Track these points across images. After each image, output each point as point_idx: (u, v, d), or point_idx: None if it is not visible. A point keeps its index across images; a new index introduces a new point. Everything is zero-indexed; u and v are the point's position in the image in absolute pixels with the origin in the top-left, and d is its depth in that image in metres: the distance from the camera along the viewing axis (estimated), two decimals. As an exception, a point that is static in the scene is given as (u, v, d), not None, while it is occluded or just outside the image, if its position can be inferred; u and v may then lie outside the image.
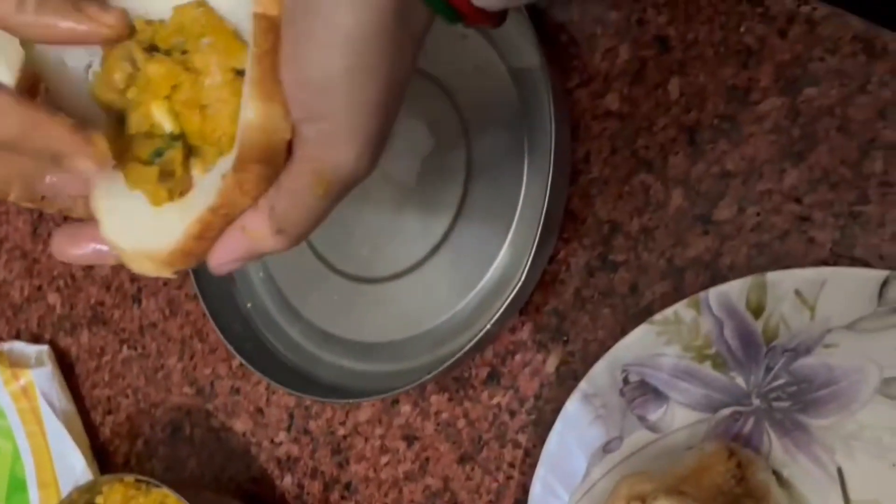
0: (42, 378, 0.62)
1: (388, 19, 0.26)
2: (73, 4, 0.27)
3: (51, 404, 0.61)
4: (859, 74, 0.37)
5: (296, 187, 0.27)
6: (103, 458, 0.62)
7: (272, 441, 0.53)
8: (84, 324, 0.65)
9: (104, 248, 0.31)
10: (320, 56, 0.26)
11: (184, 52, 0.28)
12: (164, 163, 0.29)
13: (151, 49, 0.29)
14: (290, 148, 0.27)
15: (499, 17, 0.29)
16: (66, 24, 0.27)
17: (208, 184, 0.28)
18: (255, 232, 0.28)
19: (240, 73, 0.28)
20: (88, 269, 0.65)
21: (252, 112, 0.26)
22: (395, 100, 0.27)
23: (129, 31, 0.28)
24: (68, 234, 0.31)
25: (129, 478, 0.48)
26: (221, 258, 0.28)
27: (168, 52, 0.29)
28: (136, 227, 0.29)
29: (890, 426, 0.34)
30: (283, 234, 0.28)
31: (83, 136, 0.27)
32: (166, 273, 0.29)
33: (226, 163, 0.27)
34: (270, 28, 0.26)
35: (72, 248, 0.31)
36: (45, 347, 0.65)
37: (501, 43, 0.45)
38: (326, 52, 0.26)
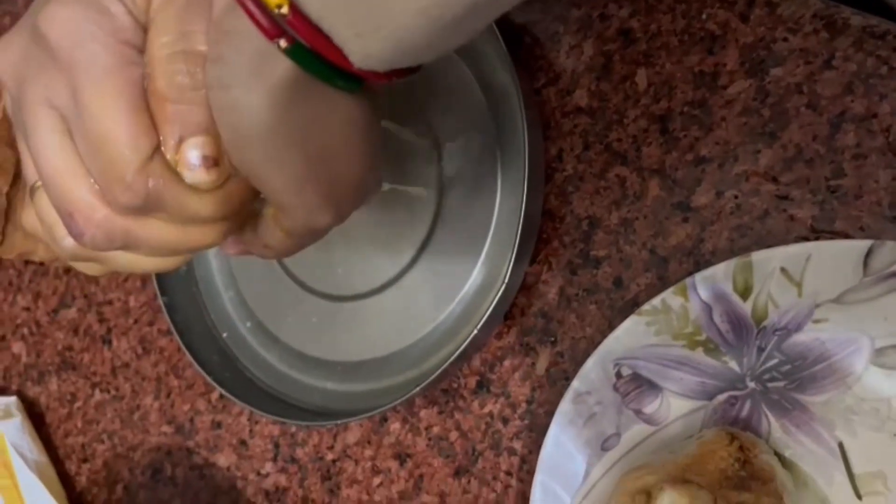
0: (11, 430, 0.59)
1: (284, 108, 0.25)
2: None
3: (23, 456, 0.58)
4: (823, 51, 0.37)
5: (266, 226, 0.30)
6: (81, 508, 0.60)
7: (258, 473, 0.52)
8: (52, 371, 0.62)
9: None
10: (237, 154, 0.26)
11: None
12: None
13: None
14: None
15: (406, 71, 0.27)
16: None
17: None
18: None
19: None
20: (53, 314, 0.63)
21: None
22: (334, 164, 0.28)
23: None
24: None
25: (112, 522, 0.45)
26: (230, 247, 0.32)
27: None
28: None
29: (887, 396, 0.34)
30: (267, 248, 0.31)
31: None
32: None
33: None
34: None
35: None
36: (12, 399, 0.62)
37: (465, 47, 0.45)
38: (239, 150, 0.26)
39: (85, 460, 0.60)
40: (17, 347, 0.64)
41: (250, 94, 0.24)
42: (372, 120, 0.29)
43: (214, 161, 0.26)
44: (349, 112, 0.27)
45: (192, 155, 0.26)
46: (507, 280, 0.41)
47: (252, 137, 0.25)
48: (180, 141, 0.26)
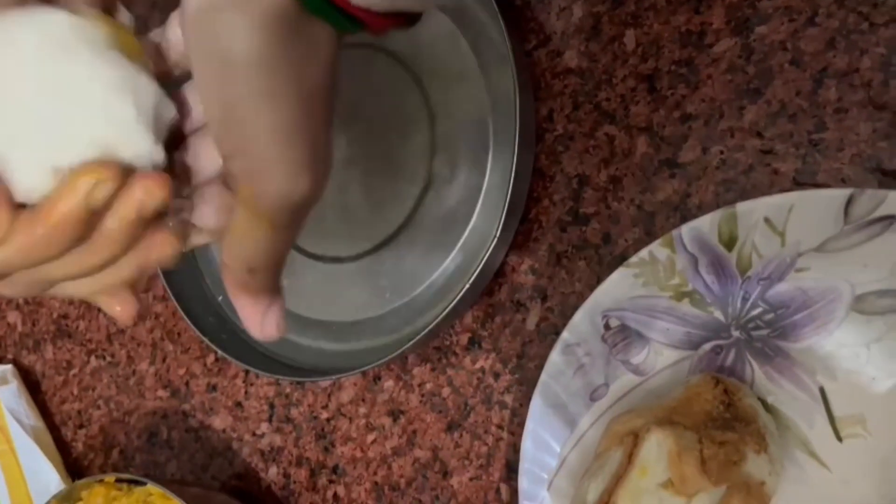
0: (8, 396, 0.60)
1: (279, 38, 0.23)
2: None
3: (19, 421, 0.59)
4: (807, 8, 0.38)
5: (242, 227, 0.26)
6: (78, 473, 0.60)
7: (254, 434, 0.52)
8: (48, 339, 0.63)
9: None
10: (219, 90, 0.23)
11: None
12: None
13: None
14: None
15: (406, 20, 0.26)
16: None
17: None
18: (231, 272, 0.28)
19: None
20: (49, 283, 0.63)
21: None
22: (317, 116, 0.25)
23: None
24: None
25: (110, 478, 0.46)
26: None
27: None
28: None
29: (866, 341, 0.35)
30: (254, 273, 0.27)
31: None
32: None
33: None
34: None
35: None
36: (8, 366, 0.63)
37: (459, 12, 0.46)
38: (223, 85, 0.23)
39: (81, 426, 0.61)
40: (13, 317, 0.65)
41: (244, 16, 0.22)
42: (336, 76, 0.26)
43: None
44: (333, 59, 0.25)
45: None
46: (497, 238, 0.42)
47: (244, 66, 0.23)
48: None
